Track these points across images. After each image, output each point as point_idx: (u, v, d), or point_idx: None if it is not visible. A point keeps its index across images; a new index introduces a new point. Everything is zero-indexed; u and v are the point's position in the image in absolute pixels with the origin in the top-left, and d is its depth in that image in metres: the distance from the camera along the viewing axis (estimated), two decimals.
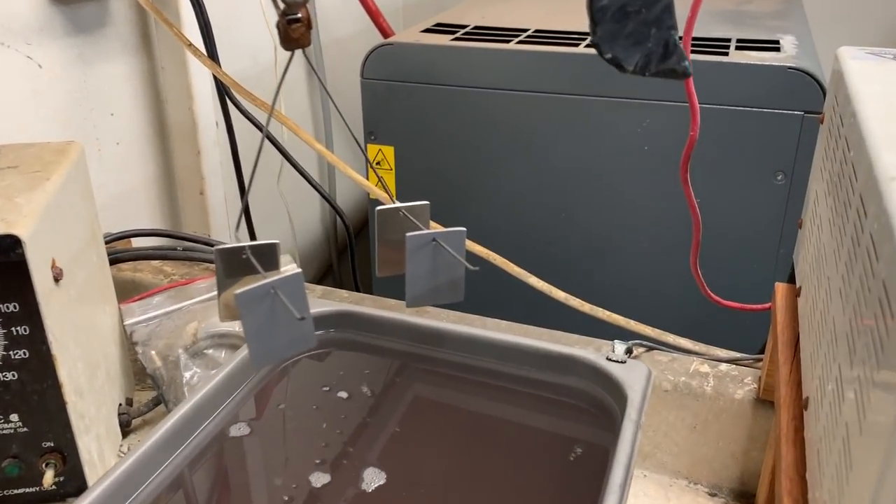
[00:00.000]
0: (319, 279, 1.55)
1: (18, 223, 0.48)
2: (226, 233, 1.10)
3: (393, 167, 1.04)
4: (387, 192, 0.68)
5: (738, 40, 0.95)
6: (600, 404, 0.49)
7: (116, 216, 0.97)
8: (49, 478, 0.56)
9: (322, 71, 1.38)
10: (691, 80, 0.42)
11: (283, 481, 0.44)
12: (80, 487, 0.57)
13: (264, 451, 0.46)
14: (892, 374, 0.24)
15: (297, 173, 1.12)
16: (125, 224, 0.94)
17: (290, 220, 1.35)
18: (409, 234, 0.34)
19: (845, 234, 0.36)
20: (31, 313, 0.51)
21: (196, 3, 0.88)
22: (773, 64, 0.84)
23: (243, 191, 1.03)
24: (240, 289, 0.32)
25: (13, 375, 0.53)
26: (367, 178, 1.11)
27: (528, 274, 0.74)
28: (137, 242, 0.86)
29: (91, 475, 0.57)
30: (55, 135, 0.88)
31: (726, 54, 0.89)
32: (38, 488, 0.57)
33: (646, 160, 0.90)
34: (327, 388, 0.52)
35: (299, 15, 0.34)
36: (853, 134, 0.38)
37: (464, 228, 0.36)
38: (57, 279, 0.53)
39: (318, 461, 0.45)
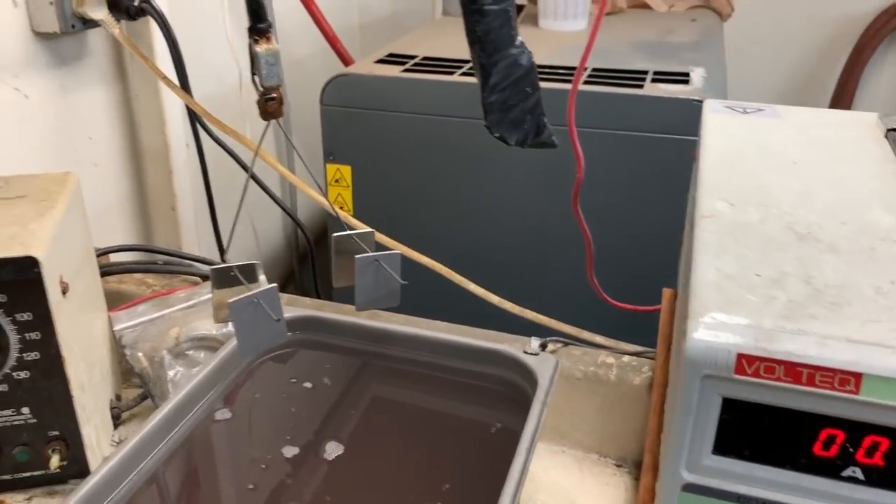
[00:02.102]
0: (282, 285, 1.65)
1: (35, 246, 0.58)
2: (195, 245, 1.19)
3: (350, 184, 1.15)
4: (334, 210, 0.78)
5: (655, 72, 1.08)
6: (517, 389, 0.61)
7: (95, 231, 1.06)
8: (55, 462, 0.65)
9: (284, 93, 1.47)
10: (575, 132, 0.54)
11: (259, 454, 0.54)
12: (82, 470, 0.67)
13: (244, 431, 0.57)
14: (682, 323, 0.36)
15: (260, 187, 1.22)
16: (102, 238, 1.03)
17: (255, 230, 1.45)
18: (357, 255, 0.45)
19: (687, 247, 0.48)
20: (42, 321, 0.61)
21: (169, 38, 0.98)
22: (681, 98, 0.97)
23: (212, 207, 1.13)
24: (230, 298, 0.43)
25: (26, 374, 0.63)
26: (327, 195, 1.22)
27: (468, 281, 0.86)
28: (117, 256, 0.95)
29: (92, 459, 0.66)
30: (39, 158, 0.97)
31: (641, 87, 1.02)
32: (44, 471, 0.67)
33: (564, 179, 1.02)
34: (294, 380, 0.62)
35: (274, 95, 0.44)
36: (697, 175, 0.50)
37: (399, 252, 0.47)
38: (64, 292, 0.62)
39: (287, 437, 0.56)
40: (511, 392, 0.61)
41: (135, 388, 0.83)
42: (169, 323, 0.77)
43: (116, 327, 0.76)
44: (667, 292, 0.65)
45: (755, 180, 0.46)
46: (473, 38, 0.37)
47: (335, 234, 0.46)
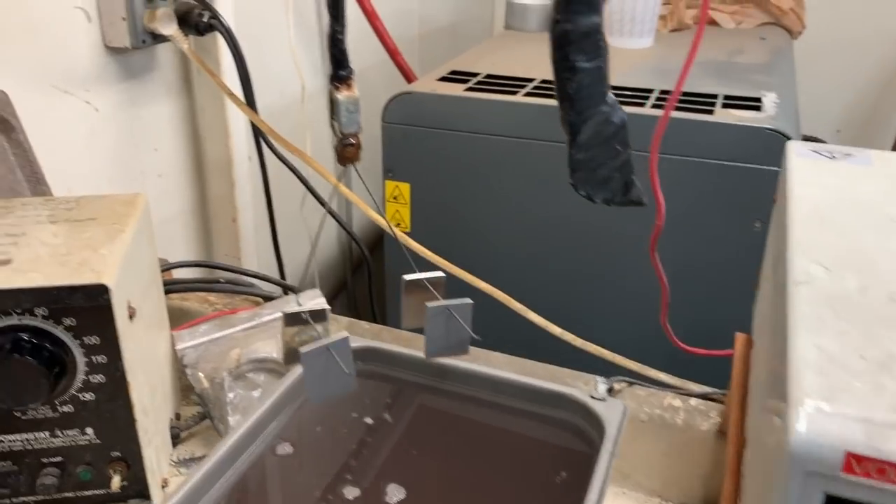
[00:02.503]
0: (335, 294, 1.66)
1: (105, 274, 0.58)
2: (254, 256, 1.20)
3: (408, 202, 1.14)
4: (392, 230, 0.78)
5: (725, 97, 1.05)
6: (584, 435, 0.59)
7: (157, 241, 1.07)
8: (116, 483, 0.66)
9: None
10: (657, 181, 0.52)
11: (321, 493, 0.54)
12: (142, 491, 0.68)
13: (305, 468, 0.56)
14: (777, 402, 0.34)
15: (321, 204, 1.22)
16: (164, 247, 1.05)
17: (311, 241, 1.46)
18: (429, 304, 0.45)
19: (775, 310, 0.46)
20: (109, 345, 0.61)
21: (237, 54, 0.98)
22: (754, 126, 0.94)
23: (272, 220, 1.13)
24: (301, 341, 0.42)
25: (91, 396, 0.64)
26: (384, 211, 1.21)
27: (527, 309, 0.84)
28: (180, 271, 0.96)
29: (152, 481, 0.67)
30: (106, 168, 0.98)
31: (711, 112, 0.99)
32: (105, 491, 0.68)
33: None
34: (355, 415, 0.62)
35: (353, 141, 0.43)
36: (784, 229, 0.48)
37: (470, 301, 0.46)
38: (131, 317, 0.63)
39: (349, 477, 0.55)
40: (577, 438, 0.59)
41: (193, 405, 0.83)
42: (230, 343, 0.77)
43: (179, 346, 0.77)
44: (740, 337, 0.63)
45: (850, 240, 0.44)
46: (564, 96, 0.35)
47: (405, 277, 0.46)
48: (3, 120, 0.80)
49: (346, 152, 0.43)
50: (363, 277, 1.71)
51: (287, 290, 0.95)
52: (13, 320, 0.59)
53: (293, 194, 1.34)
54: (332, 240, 1.61)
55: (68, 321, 0.60)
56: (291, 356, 0.44)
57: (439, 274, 0.47)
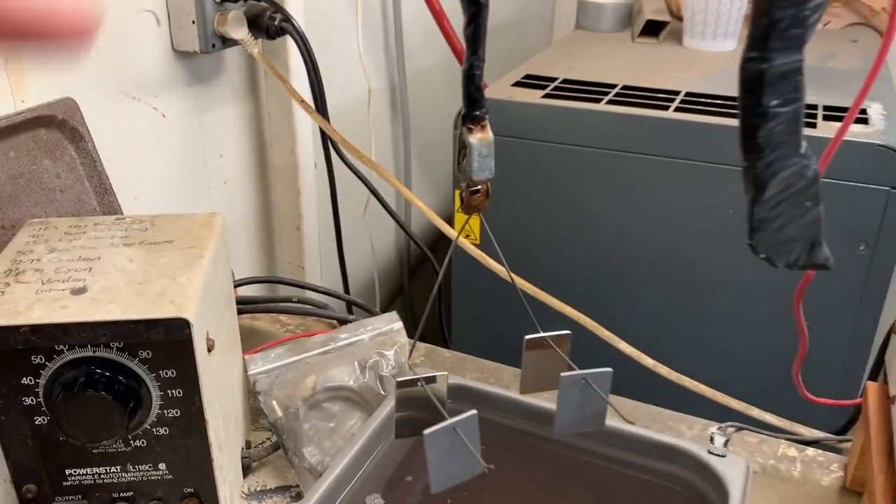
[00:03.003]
0: (392, 298, 1.62)
1: (186, 306, 0.54)
2: (317, 265, 1.16)
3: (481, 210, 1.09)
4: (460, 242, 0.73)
5: (825, 107, 0.97)
6: (702, 496, 0.53)
7: None
8: None
9: (406, 104, 1.43)
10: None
11: None
12: None
13: None
14: None
15: (379, 205, 1.17)
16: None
17: (372, 247, 1.42)
18: (563, 374, 0.39)
19: None
20: (187, 379, 0.57)
21: (309, 60, 0.94)
22: (861, 141, 0.87)
23: (338, 228, 1.09)
24: (416, 416, 0.38)
25: (165, 431, 0.60)
26: (454, 219, 1.16)
27: (618, 339, 0.79)
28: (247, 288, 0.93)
29: None
30: (172, 174, 0.95)
31: (814, 126, 0.92)
32: None
33: (730, 224, 0.93)
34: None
35: (480, 188, 0.38)
36: None
37: (610, 370, 0.41)
38: (210, 349, 0.59)
39: None
40: (695, 498, 0.54)
41: (262, 429, 0.79)
42: (305, 369, 0.73)
43: (251, 371, 0.73)
44: (872, 388, 0.57)
45: None
46: (751, 146, 0.30)
47: (528, 337, 0.41)
48: (72, 129, 0.77)
49: (473, 200, 0.39)
50: (419, 283, 1.66)
51: (351, 305, 0.91)
52: (88, 352, 0.55)
53: (355, 200, 1.30)
54: (390, 244, 1.57)
55: (144, 354, 0.56)
56: (404, 428, 0.39)
57: (565, 333, 0.42)
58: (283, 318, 0.81)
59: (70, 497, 0.63)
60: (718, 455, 0.54)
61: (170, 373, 0.57)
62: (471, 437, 0.35)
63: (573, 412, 0.40)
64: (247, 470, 0.73)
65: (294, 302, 0.81)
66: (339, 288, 1.13)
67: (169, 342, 0.55)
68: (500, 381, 0.73)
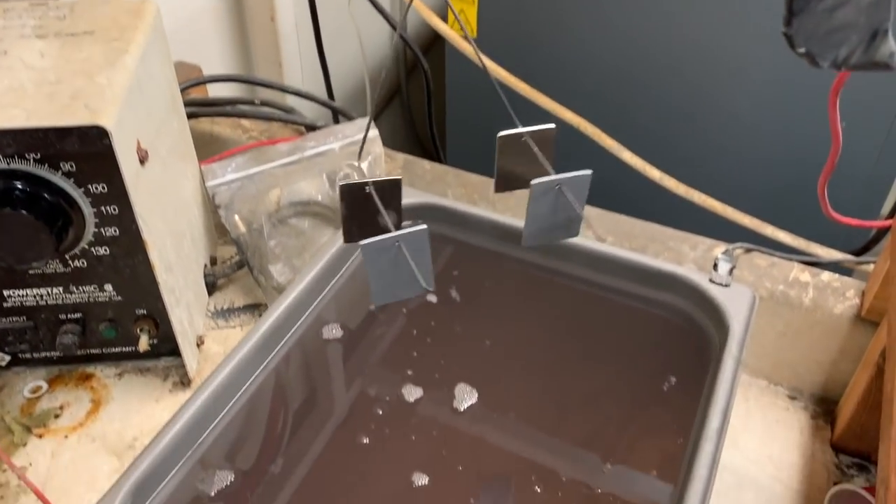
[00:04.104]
0: (388, 100, 1.51)
1: (103, 112, 0.46)
2: (296, 61, 1.05)
3: (475, 0, 0.96)
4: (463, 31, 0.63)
5: None
6: (699, 329, 0.48)
7: (185, 40, 0.93)
8: (144, 343, 0.58)
9: None
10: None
11: (375, 392, 0.44)
12: (173, 349, 0.60)
13: (356, 357, 0.46)
14: None
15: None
16: (194, 48, 0.91)
17: (361, 43, 1.29)
18: (534, 181, 0.32)
19: None
20: (118, 194, 0.50)
21: None
22: None
23: (315, 17, 0.97)
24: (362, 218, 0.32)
25: (105, 250, 0.54)
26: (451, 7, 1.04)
27: (622, 147, 0.70)
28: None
29: (183, 343, 0.59)
30: None
31: None
32: (133, 349, 0.60)
33: (752, 9, 0.81)
34: None
35: None
36: None
37: (589, 172, 0.33)
38: (142, 161, 0.51)
39: (409, 372, 0.46)
40: (690, 331, 0.48)
41: (232, 245, 0.74)
42: (269, 181, 0.66)
43: (209, 182, 0.66)
44: None
45: None
46: None
47: (501, 134, 0.33)
48: None
49: None
50: (418, 80, 1.55)
51: (337, 114, 0.81)
52: (0, 165, 0.48)
53: None
54: (384, 39, 1.44)
55: (67, 167, 0.49)
56: (353, 234, 0.33)
57: (549, 126, 0.34)
58: (245, 122, 0.72)
59: (14, 318, 0.58)
60: (721, 284, 0.47)
61: (100, 187, 0.50)
62: (417, 253, 0.29)
63: (543, 220, 0.33)
64: (212, 288, 0.68)
65: (256, 105, 0.72)
66: (322, 91, 1.03)
67: (89, 154, 0.47)
68: (486, 196, 0.65)
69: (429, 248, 0.32)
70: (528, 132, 0.36)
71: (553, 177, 0.33)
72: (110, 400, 0.61)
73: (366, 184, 0.34)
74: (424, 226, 0.31)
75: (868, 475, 0.54)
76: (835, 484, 0.53)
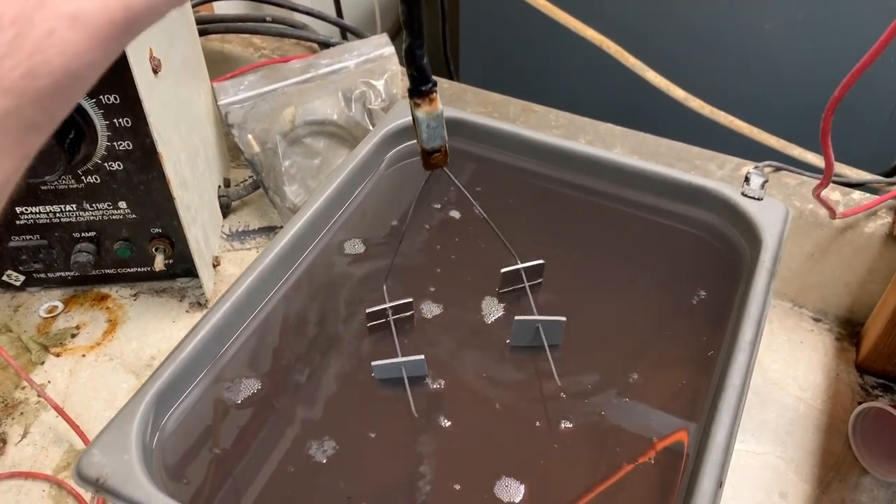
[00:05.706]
0: (401, 26, 1.47)
1: None
2: None
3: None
4: None
5: None
6: (730, 244, 0.46)
7: None
8: (159, 262, 0.57)
9: None
10: None
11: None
12: (189, 269, 0.59)
13: (378, 271, 0.45)
14: None
15: None
16: None
17: None
18: (517, 318, 0.40)
19: None
20: (132, 106, 0.49)
21: None
22: None
23: None
24: None
25: (119, 165, 0.53)
26: None
27: (645, 66, 0.68)
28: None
29: (199, 262, 0.58)
30: None
31: None
32: (149, 269, 0.59)
33: None
34: (438, 207, 0.50)
35: (438, 152, 0.36)
36: None
37: (563, 319, 0.41)
38: (155, 71, 0.50)
39: (431, 289, 0.45)
40: (721, 246, 0.47)
41: (245, 167, 0.72)
42: (282, 100, 0.64)
43: (221, 101, 0.64)
44: None
45: None
46: None
47: (504, 271, 0.41)
48: None
49: (433, 160, 0.36)
50: (433, 1, 1.50)
51: (346, 31, 0.79)
52: None
53: None
54: None
55: None
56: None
57: (539, 263, 0.43)
58: (256, 40, 0.70)
59: (27, 237, 0.57)
60: (754, 198, 0.46)
61: (112, 98, 0.49)
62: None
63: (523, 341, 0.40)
64: (226, 209, 0.67)
65: (268, 21, 0.69)
66: (331, 9, 0.99)
67: None
68: (506, 115, 0.63)
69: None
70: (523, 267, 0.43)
71: (534, 318, 0.40)
72: (126, 320, 0.60)
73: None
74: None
75: (894, 395, 0.54)
76: (859, 403, 0.52)
